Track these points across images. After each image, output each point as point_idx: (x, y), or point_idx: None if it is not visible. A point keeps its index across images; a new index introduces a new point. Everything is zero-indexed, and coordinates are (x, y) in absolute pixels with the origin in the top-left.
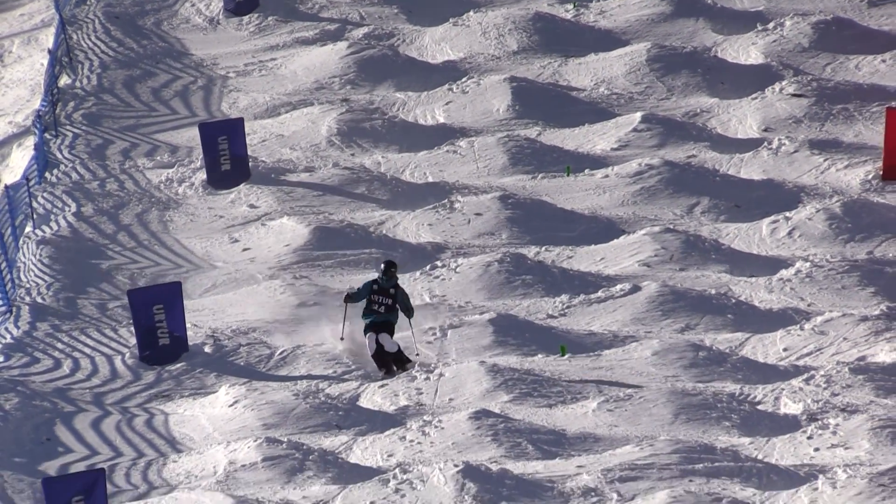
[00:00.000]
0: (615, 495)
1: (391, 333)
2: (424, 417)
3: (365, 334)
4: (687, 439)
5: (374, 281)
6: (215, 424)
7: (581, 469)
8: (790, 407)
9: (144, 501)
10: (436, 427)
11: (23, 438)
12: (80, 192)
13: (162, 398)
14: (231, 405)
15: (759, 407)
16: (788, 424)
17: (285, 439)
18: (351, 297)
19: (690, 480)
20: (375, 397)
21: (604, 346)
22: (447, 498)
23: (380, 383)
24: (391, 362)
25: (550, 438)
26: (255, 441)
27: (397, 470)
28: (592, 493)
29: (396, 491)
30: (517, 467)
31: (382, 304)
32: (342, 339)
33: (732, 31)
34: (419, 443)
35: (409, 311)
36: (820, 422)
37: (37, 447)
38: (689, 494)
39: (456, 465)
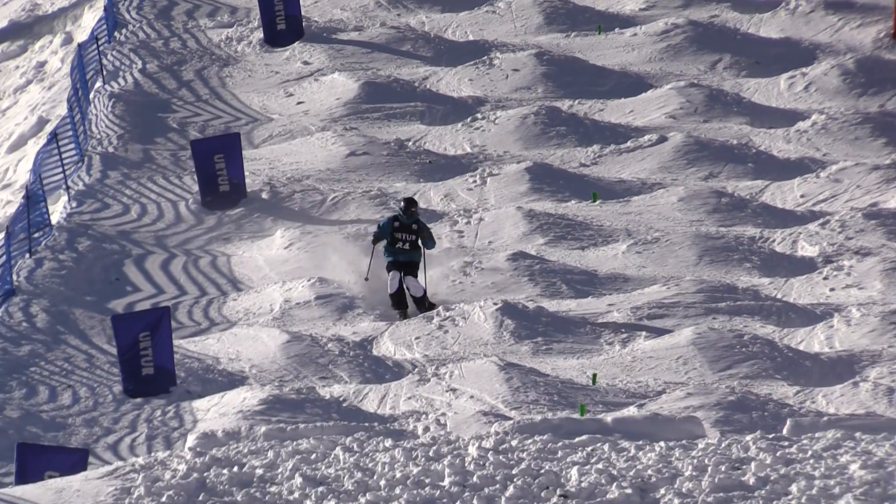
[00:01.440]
0: (643, 331)
1: (415, 275)
2: (466, 258)
3: (388, 272)
4: (710, 279)
5: (395, 217)
6: (272, 265)
7: (612, 307)
8: (807, 250)
9: (206, 336)
10: (476, 267)
11: (94, 278)
12: (146, 50)
13: (222, 241)
14: (286, 247)
15: (778, 249)
16: (805, 266)
17: (337, 278)
18: (377, 238)
19: (714, 318)
20: None
21: (632, 192)
22: (487, 333)
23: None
24: (407, 304)
25: (583, 278)
26: (309, 281)
27: (440, 307)
28: (622, 330)
29: (440, 327)
30: (552, 305)
31: (406, 241)
32: (367, 279)
33: None
34: (460, 282)
35: (431, 243)
36: (835, 264)
37: (106, 287)
38: (713, 331)
39: (495, 304)
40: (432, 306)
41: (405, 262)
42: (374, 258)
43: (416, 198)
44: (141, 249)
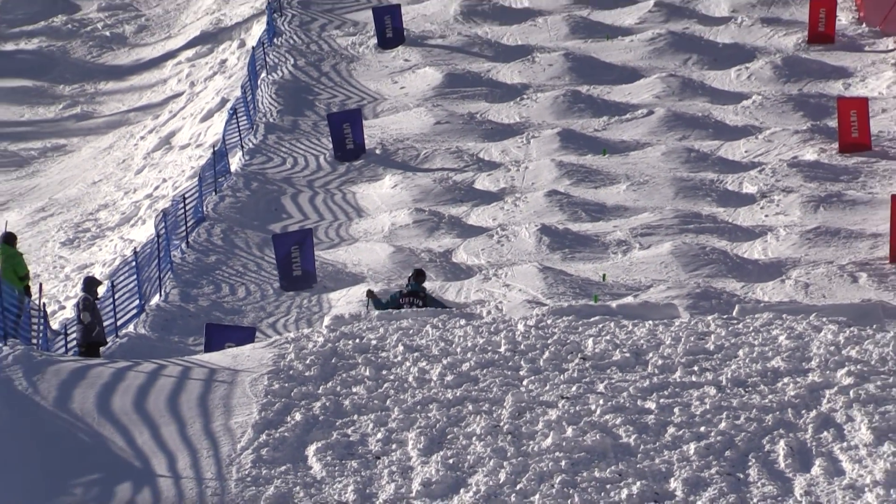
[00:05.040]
0: (637, 244)
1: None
2: (516, 195)
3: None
4: (683, 209)
5: (400, 292)
6: (383, 199)
7: (615, 228)
8: (749, 188)
9: (337, 248)
10: (523, 201)
11: (259, 209)
12: (296, 51)
13: (349, 182)
14: (393, 187)
15: (729, 188)
16: (748, 200)
17: (427, 209)
18: (373, 297)
19: (685, 235)
20: (485, 181)
21: (630, 149)
22: (530, 246)
23: (487, 173)
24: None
25: (596, 208)
26: (408, 210)
27: (498, 228)
28: (623, 243)
29: (498, 242)
30: (575, 227)
31: (413, 305)
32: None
33: None
34: (512, 211)
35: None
36: (768, 198)
37: (268, 214)
38: (685, 245)
39: (536, 226)
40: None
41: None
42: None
43: (425, 271)
44: (293, 189)
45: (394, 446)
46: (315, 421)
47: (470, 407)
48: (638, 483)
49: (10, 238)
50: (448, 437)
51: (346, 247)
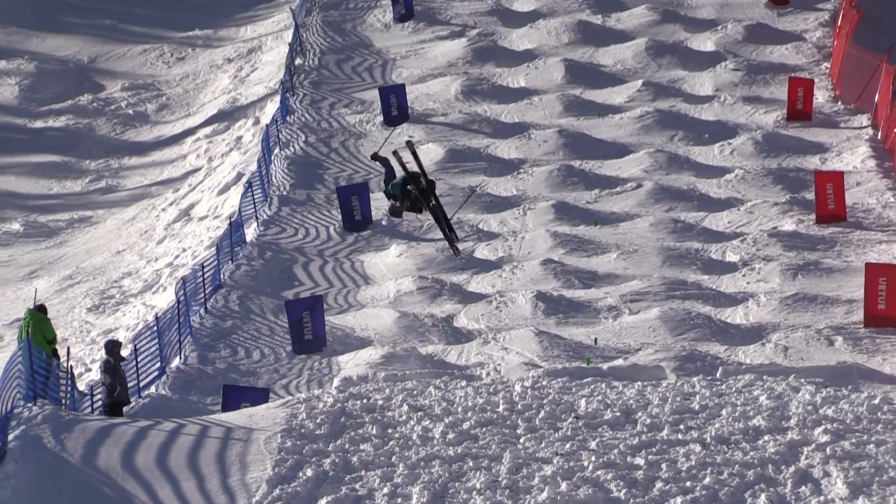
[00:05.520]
0: (627, 310)
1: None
2: (513, 263)
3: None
4: (670, 277)
5: (404, 179)
6: (388, 267)
7: (607, 294)
8: (731, 257)
9: (346, 314)
10: (520, 269)
11: (273, 276)
12: (308, 129)
13: (357, 251)
14: (398, 256)
15: (713, 257)
16: (731, 268)
17: (430, 277)
18: (388, 165)
19: (672, 301)
20: (484, 251)
21: (620, 220)
22: (527, 312)
23: (486, 242)
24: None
25: (588, 276)
26: (412, 278)
27: (496, 294)
28: (614, 309)
29: (497, 308)
30: (568, 293)
31: (416, 189)
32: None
33: (696, 30)
34: (509, 279)
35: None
36: (749, 266)
37: (281, 282)
38: (672, 310)
39: (532, 292)
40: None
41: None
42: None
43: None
44: (305, 257)
45: (399, 500)
46: (325, 476)
47: (470, 463)
48: None
49: (40, 308)
50: (450, 491)
51: (354, 312)
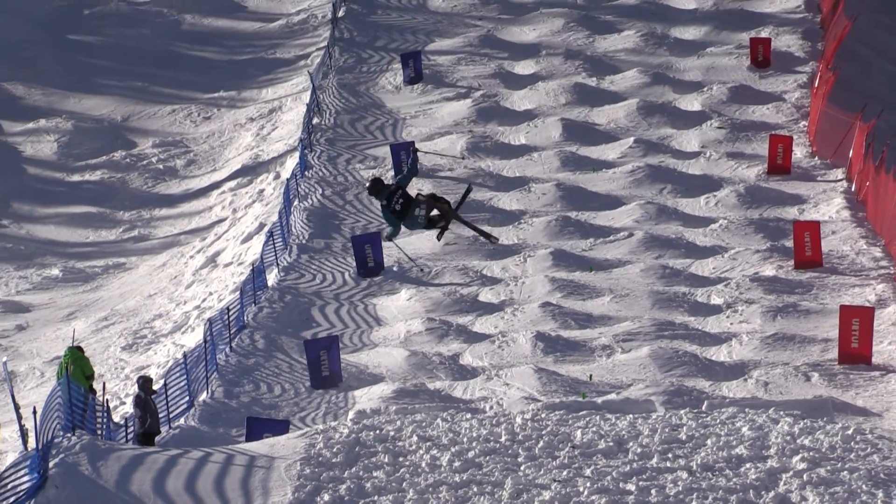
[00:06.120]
0: (619, 349)
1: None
2: (514, 306)
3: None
4: (659, 318)
5: (384, 203)
6: (399, 310)
7: (601, 335)
8: (716, 300)
9: (360, 353)
10: (521, 311)
11: (293, 318)
12: (325, 182)
13: (370, 295)
14: (408, 299)
15: (699, 300)
16: (715, 310)
17: (437, 318)
18: (392, 234)
19: (661, 341)
20: (488, 294)
21: (613, 266)
22: (527, 350)
23: (490, 287)
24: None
25: (584, 317)
26: (421, 319)
27: (499, 335)
28: (607, 348)
29: (499, 347)
30: (565, 333)
31: (398, 202)
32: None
33: (684, 91)
34: (511, 320)
35: (408, 174)
36: (733, 308)
37: (300, 323)
38: (661, 349)
39: (531, 333)
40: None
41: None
42: (404, 248)
43: (378, 176)
44: (322, 301)
45: None
46: (341, 501)
47: (475, 489)
48: None
49: (78, 348)
50: None
51: (367, 351)
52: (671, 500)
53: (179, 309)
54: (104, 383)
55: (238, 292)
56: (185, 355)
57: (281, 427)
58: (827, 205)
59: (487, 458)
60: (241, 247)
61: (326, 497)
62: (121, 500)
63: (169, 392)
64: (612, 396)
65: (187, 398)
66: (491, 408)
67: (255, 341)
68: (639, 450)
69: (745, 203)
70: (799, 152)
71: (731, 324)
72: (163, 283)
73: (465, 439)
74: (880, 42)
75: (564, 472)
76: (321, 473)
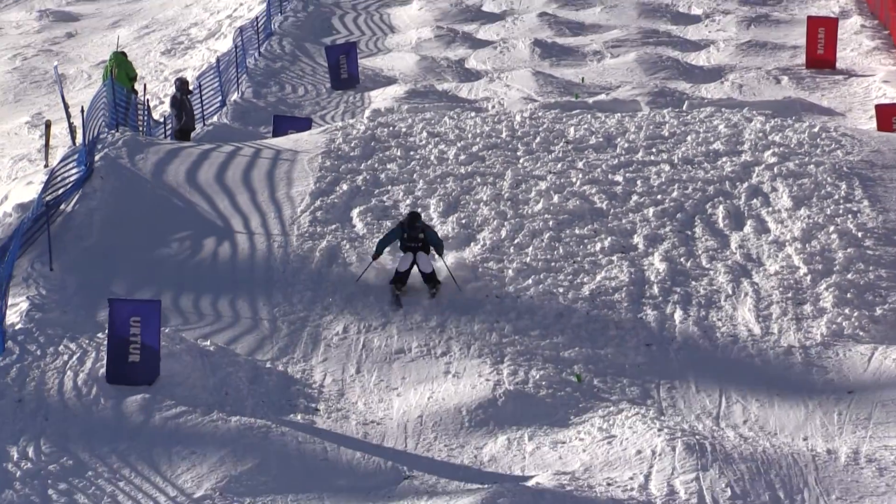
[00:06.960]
0: (609, 54)
1: (427, 252)
2: (514, 15)
3: (403, 252)
4: (645, 27)
5: (402, 229)
6: (411, 18)
7: (592, 41)
8: (696, 10)
9: (375, 57)
10: (520, 20)
11: (315, 26)
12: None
13: (384, 6)
14: (419, 9)
15: (681, 10)
16: (695, 19)
17: (445, 26)
18: (379, 251)
19: (647, 47)
20: (491, 5)
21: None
22: (526, 55)
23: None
24: (406, 283)
25: (576, 26)
26: (431, 27)
27: (500, 41)
28: (598, 53)
29: (501, 52)
30: (560, 40)
31: (415, 242)
32: (357, 281)
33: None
34: (511, 28)
35: (439, 248)
36: (711, 18)
37: (322, 30)
38: (646, 54)
39: (530, 40)
40: (437, 283)
41: (416, 247)
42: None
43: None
44: (341, 10)
45: (419, 210)
46: (358, 190)
47: (478, 179)
48: (609, 238)
49: (122, 53)
50: (461, 202)
51: (382, 56)
52: (654, 190)
53: (213, 18)
54: (145, 84)
55: (266, 2)
56: (217, 59)
57: (304, 124)
58: None
59: (490, 151)
60: None
61: (345, 186)
62: (158, 189)
63: (203, 92)
64: (602, 97)
65: (220, 98)
66: (493, 107)
67: (281, 47)
68: (626, 145)
69: None
70: None
71: (710, 32)
72: None
73: (469, 135)
74: None
75: (559, 165)
76: (340, 165)
